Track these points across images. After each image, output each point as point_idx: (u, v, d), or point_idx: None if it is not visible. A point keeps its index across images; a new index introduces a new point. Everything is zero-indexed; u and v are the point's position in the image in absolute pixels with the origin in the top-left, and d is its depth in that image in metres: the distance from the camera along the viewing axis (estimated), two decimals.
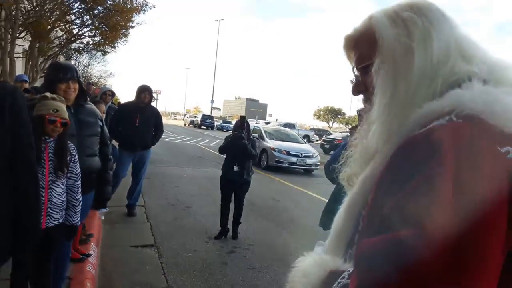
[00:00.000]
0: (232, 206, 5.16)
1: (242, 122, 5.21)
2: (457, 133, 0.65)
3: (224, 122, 49.55)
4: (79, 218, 2.60)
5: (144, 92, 5.52)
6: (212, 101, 58.11)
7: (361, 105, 0.97)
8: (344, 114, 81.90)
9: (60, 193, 2.44)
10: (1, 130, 1.64)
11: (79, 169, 2.57)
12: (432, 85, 0.78)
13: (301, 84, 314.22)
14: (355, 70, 0.95)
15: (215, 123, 46.08)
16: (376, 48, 0.85)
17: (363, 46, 0.90)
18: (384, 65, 0.83)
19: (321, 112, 73.31)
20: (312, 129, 40.85)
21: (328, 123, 65.30)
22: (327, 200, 3.73)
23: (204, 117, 46.10)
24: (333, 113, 69.04)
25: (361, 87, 0.93)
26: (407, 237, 0.57)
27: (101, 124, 2.97)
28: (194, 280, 3.67)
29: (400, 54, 0.81)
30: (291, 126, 32.28)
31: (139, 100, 5.54)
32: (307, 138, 27.75)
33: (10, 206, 1.76)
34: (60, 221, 2.46)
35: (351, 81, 0.96)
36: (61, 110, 2.42)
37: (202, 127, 43.76)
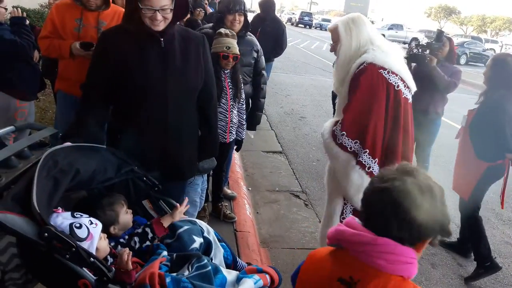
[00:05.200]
0: None
1: None
2: (366, 69, 2.15)
3: (324, 20, 47.02)
4: (244, 134, 3.22)
5: (273, 6, 5.67)
6: None
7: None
8: (459, 12, 71.57)
9: (236, 115, 3.02)
10: (199, 69, 2.05)
11: (244, 95, 3.09)
12: (358, 54, 2.21)
13: None
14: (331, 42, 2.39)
15: (314, 21, 43.97)
16: (339, 37, 2.26)
17: (334, 35, 2.31)
18: (341, 45, 2.26)
19: (433, 10, 64.99)
20: (421, 31, 36.76)
21: (439, 23, 58.08)
22: None
23: (303, 14, 44.00)
24: (446, 11, 60.76)
25: (333, 49, 2.37)
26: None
27: (255, 55, 3.30)
28: (322, 187, 4.27)
29: (347, 43, 2.24)
30: (399, 27, 29.75)
31: (266, 13, 5.69)
32: (415, 41, 25.34)
33: (197, 133, 2.23)
34: (234, 136, 3.10)
35: (331, 45, 2.40)
36: (233, 46, 2.83)
37: (300, 25, 42.24)
